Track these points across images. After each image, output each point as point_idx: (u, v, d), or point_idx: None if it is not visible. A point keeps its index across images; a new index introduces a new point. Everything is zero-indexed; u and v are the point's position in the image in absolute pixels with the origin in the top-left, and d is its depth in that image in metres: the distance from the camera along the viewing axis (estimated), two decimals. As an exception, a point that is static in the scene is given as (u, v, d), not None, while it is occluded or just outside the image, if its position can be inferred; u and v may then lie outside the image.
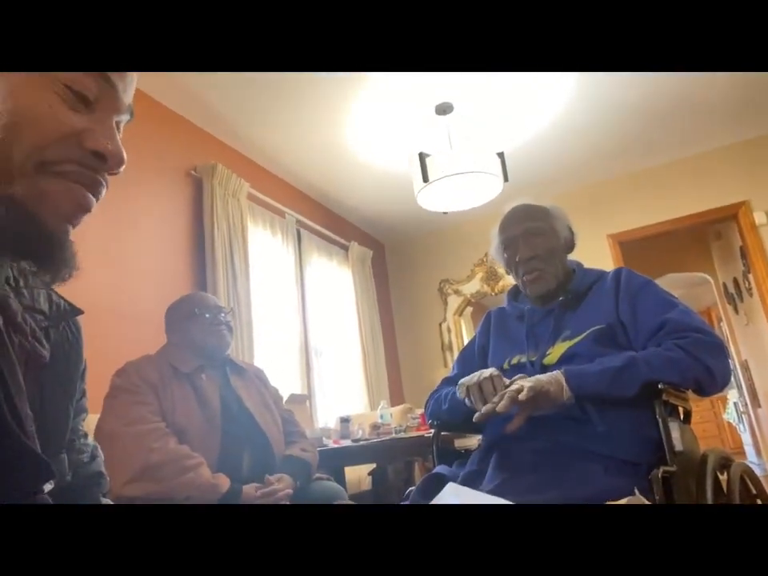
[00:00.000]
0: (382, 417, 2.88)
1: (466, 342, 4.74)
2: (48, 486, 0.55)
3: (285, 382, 3.28)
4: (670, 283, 6.07)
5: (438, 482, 1.07)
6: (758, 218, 4.02)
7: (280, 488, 1.50)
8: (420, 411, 2.71)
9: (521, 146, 3.77)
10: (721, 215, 4.21)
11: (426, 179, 3.01)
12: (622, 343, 1.18)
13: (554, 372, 1.09)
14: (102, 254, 2.41)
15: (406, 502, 1.13)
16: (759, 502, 1.14)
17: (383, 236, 5.18)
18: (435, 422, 1.39)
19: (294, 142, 3.46)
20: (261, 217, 3.53)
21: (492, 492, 0.98)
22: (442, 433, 1.42)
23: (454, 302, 4.93)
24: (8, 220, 0.49)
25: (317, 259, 4.11)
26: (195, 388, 1.60)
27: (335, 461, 2.39)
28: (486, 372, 1.14)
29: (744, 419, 6.26)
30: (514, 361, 1.27)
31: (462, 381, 1.18)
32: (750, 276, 4.26)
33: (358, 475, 2.93)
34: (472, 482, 1.06)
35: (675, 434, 1.02)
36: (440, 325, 4.94)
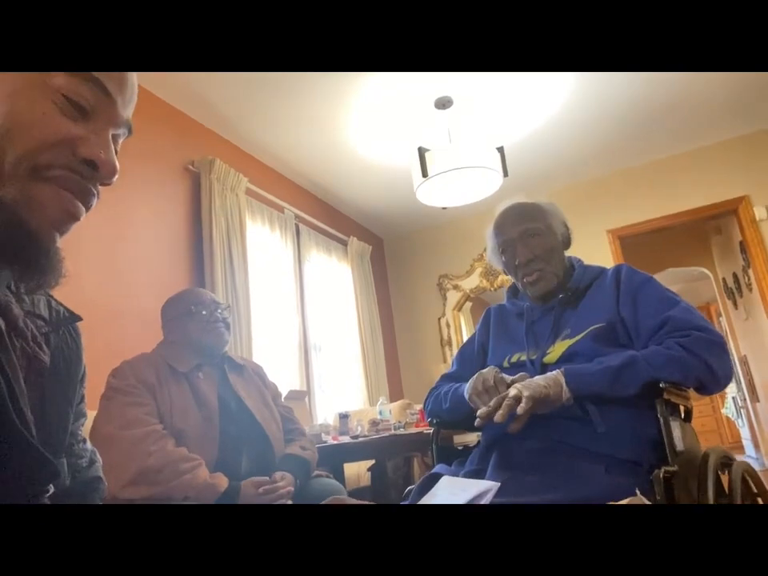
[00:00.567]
0: (381, 413, 2.88)
1: (465, 336, 4.77)
2: (50, 488, 0.56)
3: (284, 378, 3.28)
4: (670, 278, 6.07)
5: (436, 486, 1.06)
6: (758, 212, 4.01)
7: (282, 486, 1.49)
8: (419, 407, 2.71)
9: (520, 140, 3.75)
10: (721, 210, 4.20)
11: (425, 174, 3.00)
12: (622, 341, 1.17)
13: (554, 372, 1.08)
14: (99, 249, 2.40)
15: (406, 502, 1.12)
16: (760, 500, 1.13)
17: (382, 231, 5.17)
18: (435, 420, 1.38)
19: (293, 136, 3.44)
20: (259, 212, 3.51)
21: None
22: (441, 430, 1.41)
23: (453, 297, 4.93)
24: None
25: (316, 254, 4.10)
26: (193, 387, 1.58)
27: (334, 457, 2.39)
28: (489, 376, 1.13)
29: (743, 414, 6.27)
30: (514, 359, 1.26)
31: (467, 388, 1.16)
32: (750, 271, 4.25)
33: (357, 471, 2.93)
34: (472, 499, 1.05)
35: (676, 433, 1.02)
36: (439, 320, 4.94)
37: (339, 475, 2.43)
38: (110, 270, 2.45)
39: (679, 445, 1.01)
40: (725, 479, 1.09)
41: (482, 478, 1.05)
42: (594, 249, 4.10)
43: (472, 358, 1.40)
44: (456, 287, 4.92)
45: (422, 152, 3.01)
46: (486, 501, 0.92)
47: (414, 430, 2.46)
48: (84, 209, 0.54)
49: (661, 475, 0.94)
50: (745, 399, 5.74)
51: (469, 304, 4.98)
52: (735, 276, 4.88)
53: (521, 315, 1.34)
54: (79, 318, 0.67)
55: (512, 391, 1.04)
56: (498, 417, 1.02)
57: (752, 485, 1.13)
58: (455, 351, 4.58)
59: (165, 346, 1.70)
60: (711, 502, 0.97)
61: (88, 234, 2.30)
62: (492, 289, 4.78)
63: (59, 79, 0.52)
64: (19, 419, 0.51)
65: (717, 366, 1.06)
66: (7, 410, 0.50)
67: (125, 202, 2.57)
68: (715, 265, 5.64)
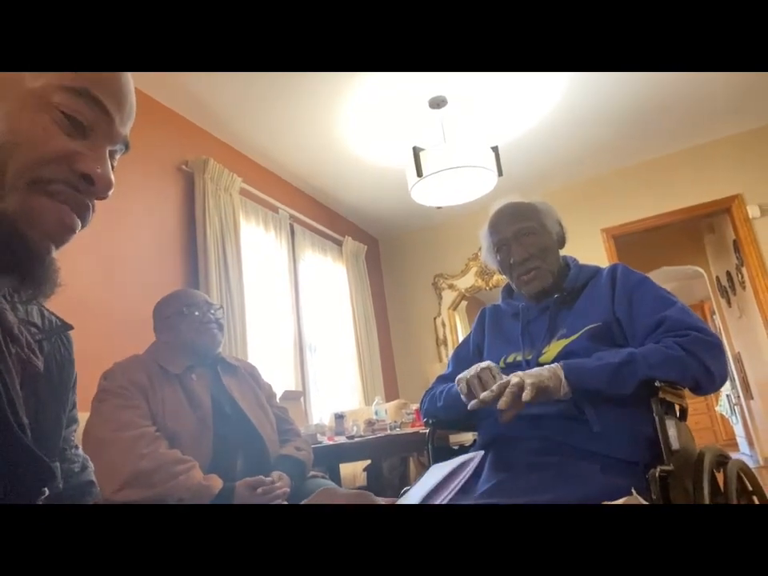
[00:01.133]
0: (376, 413, 2.88)
1: (460, 336, 4.77)
2: (45, 491, 0.57)
3: (279, 378, 3.27)
4: (664, 277, 6.10)
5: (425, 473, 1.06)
6: (751, 211, 4.03)
7: (278, 486, 1.49)
8: (415, 406, 2.71)
9: (515, 140, 3.75)
10: (714, 208, 4.22)
11: (419, 174, 3.00)
12: (618, 341, 1.17)
13: (553, 365, 1.08)
14: (92, 249, 2.38)
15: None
16: (756, 498, 1.13)
17: (377, 231, 5.17)
18: (430, 420, 1.38)
19: (287, 136, 3.43)
20: (253, 212, 3.50)
21: (488, 492, 0.97)
22: (437, 430, 1.41)
23: (448, 296, 4.93)
24: None
25: (310, 254, 4.09)
26: (185, 389, 1.57)
27: (330, 457, 2.38)
28: (483, 364, 1.13)
29: (737, 411, 6.30)
30: (510, 359, 1.26)
31: (459, 376, 1.17)
32: (743, 269, 4.27)
33: (353, 471, 2.93)
34: (467, 481, 1.05)
35: (672, 432, 1.02)
36: (434, 319, 4.94)
37: (335, 476, 2.43)
38: (103, 271, 2.44)
39: (675, 444, 1.01)
40: (720, 477, 1.09)
41: (479, 478, 1.05)
42: (588, 248, 4.11)
43: (468, 358, 1.40)
44: (451, 287, 4.92)
45: (416, 152, 3.00)
46: (470, 469, 0.93)
47: (409, 429, 2.45)
48: (80, 222, 0.56)
49: (656, 474, 0.94)
50: (739, 397, 5.76)
51: (464, 303, 4.99)
52: (729, 274, 4.90)
53: (516, 315, 1.33)
54: (71, 327, 0.69)
55: (514, 379, 1.03)
56: (501, 403, 1.01)
57: (747, 483, 1.13)
58: (451, 351, 4.58)
59: (157, 348, 1.69)
60: (707, 500, 0.97)
61: (81, 235, 2.27)
62: (487, 288, 4.79)
63: (59, 96, 0.53)
64: (16, 423, 0.52)
65: (714, 367, 1.06)
66: (5, 413, 0.51)
67: (118, 202, 2.55)
68: (709, 263, 5.66)
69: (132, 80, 0.60)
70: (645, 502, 0.90)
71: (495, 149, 3.13)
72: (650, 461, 1.00)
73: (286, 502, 1.49)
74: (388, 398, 4.19)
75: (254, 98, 3.01)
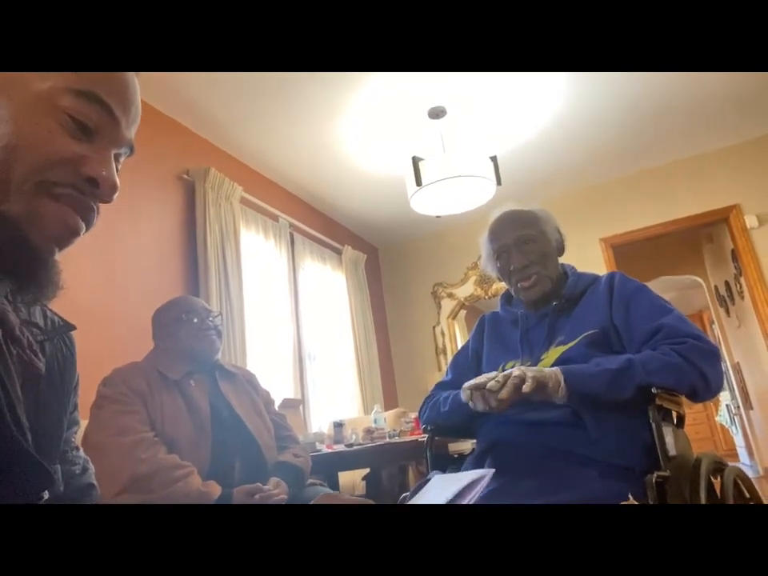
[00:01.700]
0: (375, 421, 2.88)
1: (459, 345, 4.76)
2: (45, 495, 0.56)
3: (278, 386, 3.26)
4: (663, 286, 6.11)
5: (427, 484, 1.06)
6: (749, 221, 4.05)
7: (276, 493, 1.49)
8: (414, 415, 2.71)
9: (513, 149, 3.78)
10: (712, 218, 4.23)
11: (419, 183, 3.02)
12: (615, 348, 1.17)
13: (552, 369, 1.08)
14: (93, 257, 2.39)
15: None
16: (753, 505, 1.14)
17: (377, 240, 5.18)
18: (430, 428, 1.38)
19: (288, 146, 3.46)
20: (254, 221, 3.51)
21: (487, 497, 0.98)
22: (436, 438, 1.41)
23: (447, 305, 4.94)
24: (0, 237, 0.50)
25: (310, 263, 4.10)
26: (184, 395, 1.58)
27: (329, 466, 2.38)
28: (492, 374, 1.13)
29: (736, 421, 6.29)
30: (509, 366, 1.26)
31: (466, 385, 1.17)
32: (742, 279, 4.29)
33: (352, 480, 2.92)
34: (466, 486, 1.05)
35: (669, 438, 1.02)
36: (434, 328, 4.94)
37: (334, 484, 2.42)
38: (104, 278, 2.44)
39: (671, 450, 1.01)
40: (717, 484, 1.09)
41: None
42: (586, 257, 4.12)
43: (466, 364, 1.41)
44: (450, 295, 4.93)
45: (416, 161, 3.03)
46: (481, 487, 0.93)
47: (408, 438, 2.45)
48: (84, 225, 0.56)
49: (653, 480, 0.95)
50: (738, 407, 5.76)
51: (463, 312, 4.99)
52: (727, 284, 4.91)
53: (515, 322, 1.34)
54: (73, 327, 0.68)
55: (516, 371, 1.05)
56: (503, 392, 1.02)
57: (744, 490, 1.14)
58: (449, 359, 4.58)
59: (156, 354, 1.69)
60: (704, 506, 0.98)
61: (82, 242, 2.28)
62: (486, 297, 4.79)
63: (66, 99, 0.53)
64: (15, 426, 0.52)
65: (710, 374, 1.07)
66: (3, 416, 0.51)
67: (119, 210, 2.56)
68: (707, 273, 5.68)
69: (138, 83, 0.60)
70: (642, 508, 0.90)
71: (494, 158, 3.15)
72: (648, 467, 1.01)
73: (284, 510, 1.49)
74: (387, 407, 4.18)
75: (255, 107, 3.03)
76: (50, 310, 0.67)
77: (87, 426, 1.46)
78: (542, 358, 1.21)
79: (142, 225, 2.72)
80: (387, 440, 2.47)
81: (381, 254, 5.35)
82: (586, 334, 1.18)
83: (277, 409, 1.91)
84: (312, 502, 0.97)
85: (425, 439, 1.41)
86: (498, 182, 3.14)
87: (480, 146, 3.48)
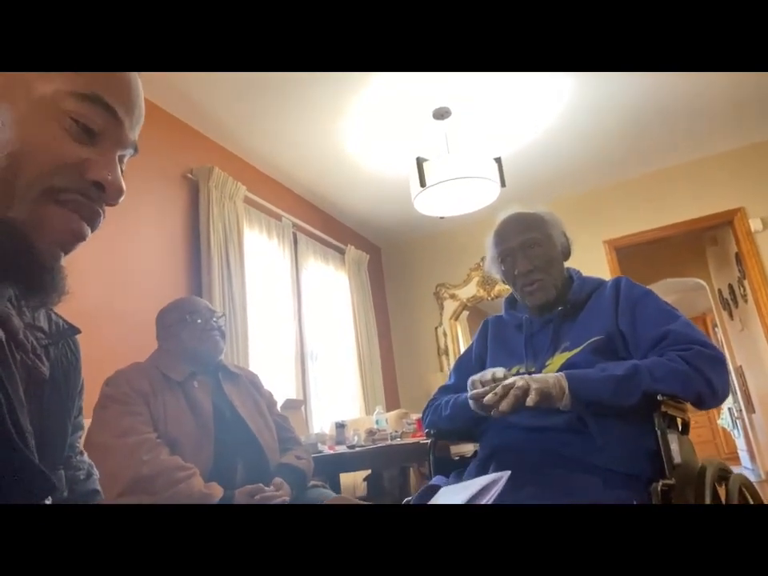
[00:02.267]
0: (377, 422, 2.87)
1: (462, 346, 4.77)
2: (48, 501, 0.56)
3: (280, 386, 3.26)
4: (666, 289, 6.09)
5: (435, 495, 1.05)
6: (754, 224, 4.04)
7: (278, 494, 1.48)
8: (416, 416, 2.71)
9: (518, 151, 3.77)
10: (716, 221, 4.22)
11: (423, 184, 3.01)
12: (621, 354, 1.16)
13: (558, 374, 1.07)
14: (97, 256, 2.39)
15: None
16: (757, 513, 1.13)
17: (380, 240, 5.18)
18: (433, 431, 1.37)
19: (291, 145, 3.45)
20: (257, 220, 3.51)
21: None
22: (438, 441, 1.41)
23: (450, 306, 4.93)
24: (4, 242, 0.50)
25: (313, 263, 4.10)
26: (187, 396, 1.57)
27: (330, 467, 2.38)
28: (499, 372, 1.12)
29: (738, 424, 6.27)
30: (513, 371, 1.25)
31: (472, 378, 1.16)
32: (745, 282, 4.27)
33: (353, 481, 2.92)
34: (478, 492, 1.04)
35: (674, 446, 1.02)
36: (436, 329, 4.94)
37: (335, 485, 2.42)
38: (107, 277, 2.44)
39: (677, 458, 1.01)
40: (722, 492, 1.09)
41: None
42: (590, 260, 4.11)
43: (469, 368, 1.40)
44: (453, 296, 4.92)
45: (420, 162, 3.02)
46: (495, 492, 0.91)
47: (410, 439, 2.45)
48: (90, 229, 0.56)
49: (659, 488, 0.94)
50: (741, 410, 5.74)
51: (466, 313, 4.99)
52: (731, 287, 4.90)
53: (519, 327, 1.33)
54: (78, 331, 0.68)
55: (519, 382, 1.03)
56: (504, 405, 1.01)
57: (749, 497, 1.13)
58: (452, 360, 4.58)
59: (159, 355, 1.69)
60: (709, 515, 0.97)
61: (86, 242, 2.29)
62: (489, 298, 4.79)
63: (69, 103, 0.52)
64: (17, 432, 0.51)
65: (717, 382, 1.06)
66: (5, 422, 0.50)
67: (123, 210, 2.56)
68: (711, 276, 5.66)
69: (141, 84, 0.59)
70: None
71: (498, 160, 3.14)
72: (652, 475, 1.00)
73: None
74: (389, 408, 4.18)
75: (258, 107, 3.03)
76: (55, 313, 0.67)
77: (90, 426, 1.46)
78: (546, 363, 1.21)
79: (145, 223, 2.72)
80: (389, 441, 2.47)
81: (384, 255, 5.34)
82: (591, 340, 1.17)
83: (279, 410, 1.91)
84: (326, 503, 0.96)
85: (427, 441, 1.40)
86: (503, 184, 3.14)
87: (484, 148, 3.48)
